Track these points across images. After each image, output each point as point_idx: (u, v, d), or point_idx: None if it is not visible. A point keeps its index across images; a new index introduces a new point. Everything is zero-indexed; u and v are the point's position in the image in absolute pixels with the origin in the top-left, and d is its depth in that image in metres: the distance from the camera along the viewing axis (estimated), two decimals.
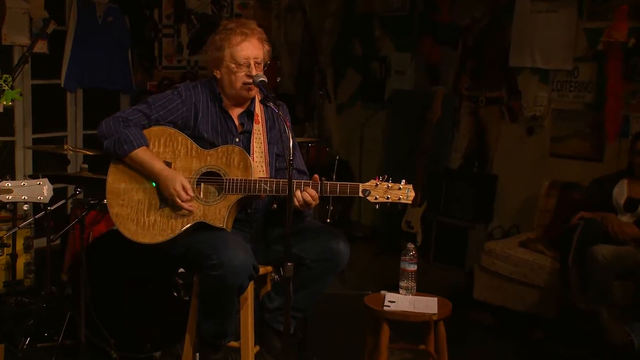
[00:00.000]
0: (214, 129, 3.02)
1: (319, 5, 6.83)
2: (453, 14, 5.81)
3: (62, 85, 5.71)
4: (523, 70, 5.32)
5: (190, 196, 2.91)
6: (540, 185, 4.95)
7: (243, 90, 2.99)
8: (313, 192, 2.85)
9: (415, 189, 2.89)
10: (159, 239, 2.91)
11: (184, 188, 2.89)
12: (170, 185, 2.89)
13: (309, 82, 6.93)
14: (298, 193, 2.84)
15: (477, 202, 5.46)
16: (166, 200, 2.93)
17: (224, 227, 2.89)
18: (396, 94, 6.26)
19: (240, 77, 2.97)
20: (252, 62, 2.96)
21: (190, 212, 2.91)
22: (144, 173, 2.95)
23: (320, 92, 5.79)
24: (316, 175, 2.88)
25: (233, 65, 2.97)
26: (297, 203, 2.85)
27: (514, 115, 5.42)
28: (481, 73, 5.62)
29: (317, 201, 2.87)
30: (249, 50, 2.96)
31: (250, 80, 2.95)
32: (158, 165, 2.93)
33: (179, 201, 2.89)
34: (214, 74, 3.04)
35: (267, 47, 3.03)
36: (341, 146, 6.74)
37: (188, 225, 2.91)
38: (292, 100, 6.61)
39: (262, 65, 3.00)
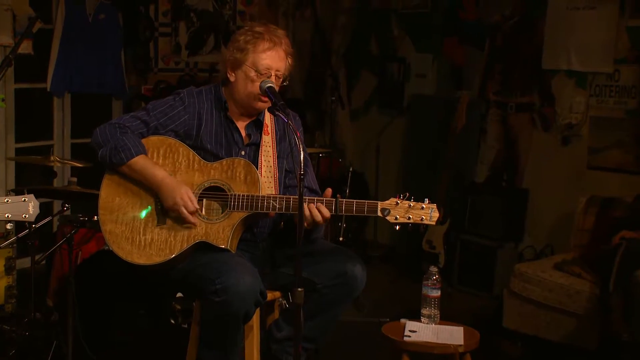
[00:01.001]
0: (217, 140, 3.03)
1: (330, 0, 6.85)
2: (479, 11, 5.81)
3: (49, 90, 5.73)
4: (557, 73, 5.31)
5: (196, 208, 2.91)
6: (576, 200, 4.92)
7: (255, 101, 3.00)
8: (325, 211, 2.86)
9: (437, 206, 2.89)
10: (156, 259, 2.92)
11: (189, 198, 2.90)
12: (177, 194, 2.90)
13: (319, 86, 6.94)
14: (307, 210, 2.85)
15: (506, 219, 5.44)
16: (165, 218, 2.94)
17: (228, 248, 2.90)
18: (416, 100, 6.26)
19: (257, 86, 2.98)
20: (273, 73, 2.98)
21: (194, 225, 2.91)
22: (144, 183, 2.96)
23: (333, 98, 5.80)
24: (329, 190, 2.89)
25: (253, 73, 2.98)
26: (304, 221, 2.85)
27: (547, 123, 5.41)
28: (511, 76, 5.61)
29: (327, 221, 2.88)
30: (274, 61, 2.98)
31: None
32: (160, 174, 2.94)
33: (185, 212, 2.89)
34: (227, 75, 3.05)
35: (290, 62, 3.05)
36: (355, 157, 6.74)
37: (188, 246, 2.91)
38: (301, 106, 6.61)
39: (282, 80, 3.03)
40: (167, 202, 2.93)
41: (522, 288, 4.57)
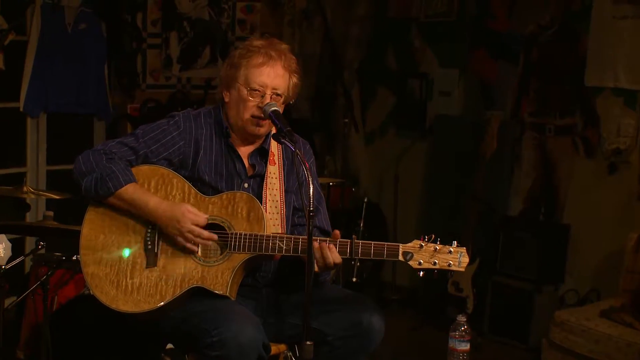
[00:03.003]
0: (217, 171, 3.05)
1: (342, 8, 6.89)
2: (512, 20, 5.84)
3: (22, 109, 5.75)
4: (603, 91, 5.32)
5: (206, 219, 2.92)
6: (625, 237, 4.91)
7: (250, 125, 3.02)
8: (335, 255, 2.88)
9: (465, 242, 2.91)
10: (145, 307, 2.92)
11: (194, 213, 2.91)
12: (177, 213, 2.91)
13: (330, 106, 6.96)
14: (316, 245, 2.86)
15: (545, 258, 5.43)
16: (155, 259, 2.95)
17: (227, 294, 2.90)
18: (440, 121, 6.28)
19: (250, 107, 3.00)
20: (268, 92, 3.00)
21: (213, 239, 2.92)
22: (135, 216, 2.98)
23: (345, 119, 5.82)
24: (337, 231, 2.91)
25: (245, 91, 3.01)
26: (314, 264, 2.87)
27: (591, 148, 5.41)
28: (549, 95, 5.62)
29: (338, 266, 2.89)
30: (269, 77, 3.00)
31: (261, 114, 2.98)
32: (153, 200, 2.96)
33: (197, 230, 2.89)
34: (223, 95, 3.09)
35: (294, 81, 3.07)
36: (371, 186, 6.74)
37: (182, 291, 2.92)
38: (308, 128, 6.63)
39: (282, 99, 3.04)
40: (170, 229, 2.93)
41: (564, 339, 4.55)
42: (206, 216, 2.94)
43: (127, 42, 6.30)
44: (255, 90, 2.99)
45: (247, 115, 3.01)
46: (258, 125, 3.02)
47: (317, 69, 6.99)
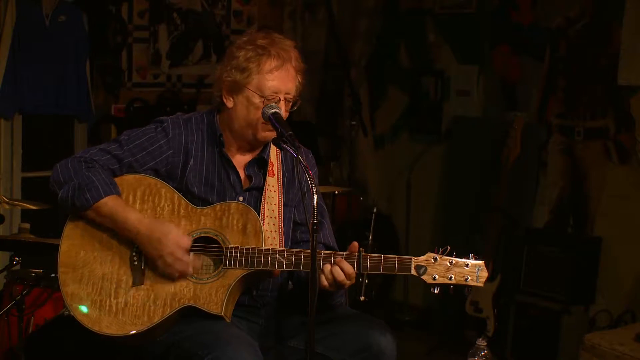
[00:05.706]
0: (207, 182, 3.05)
1: None
2: (538, 12, 5.84)
3: None
4: (638, 91, 5.32)
5: (189, 244, 2.92)
6: None
7: (260, 130, 3.02)
8: (349, 268, 2.87)
9: (485, 257, 2.91)
10: (131, 329, 2.93)
11: (178, 236, 2.91)
12: (160, 234, 2.91)
13: (335, 107, 6.97)
14: (328, 267, 2.87)
15: (573, 276, 5.42)
16: (142, 276, 2.96)
17: (222, 314, 2.90)
18: (458, 123, 6.29)
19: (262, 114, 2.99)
20: (282, 98, 3.01)
21: (187, 274, 2.92)
22: (116, 230, 2.98)
23: (352, 122, 5.82)
24: (355, 243, 2.90)
25: (257, 99, 3.00)
26: (325, 282, 2.87)
27: (624, 153, 5.41)
28: (578, 95, 5.62)
29: (353, 280, 2.89)
30: (283, 82, 3.01)
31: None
32: (133, 217, 2.96)
33: (179, 253, 2.90)
34: (224, 100, 3.07)
35: (299, 79, 3.08)
36: (380, 195, 6.75)
37: (172, 312, 2.92)
38: (312, 131, 6.64)
39: (291, 104, 3.05)
40: (149, 248, 2.94)
41: None
42: (190, 241, 2.94)
43: (111, 35, 6.31)
44: (269, 97, 2.99)
45: (258, 124, 3.00)
46: (268, 130, 2.99)
47: (321, 67, 7.00)
